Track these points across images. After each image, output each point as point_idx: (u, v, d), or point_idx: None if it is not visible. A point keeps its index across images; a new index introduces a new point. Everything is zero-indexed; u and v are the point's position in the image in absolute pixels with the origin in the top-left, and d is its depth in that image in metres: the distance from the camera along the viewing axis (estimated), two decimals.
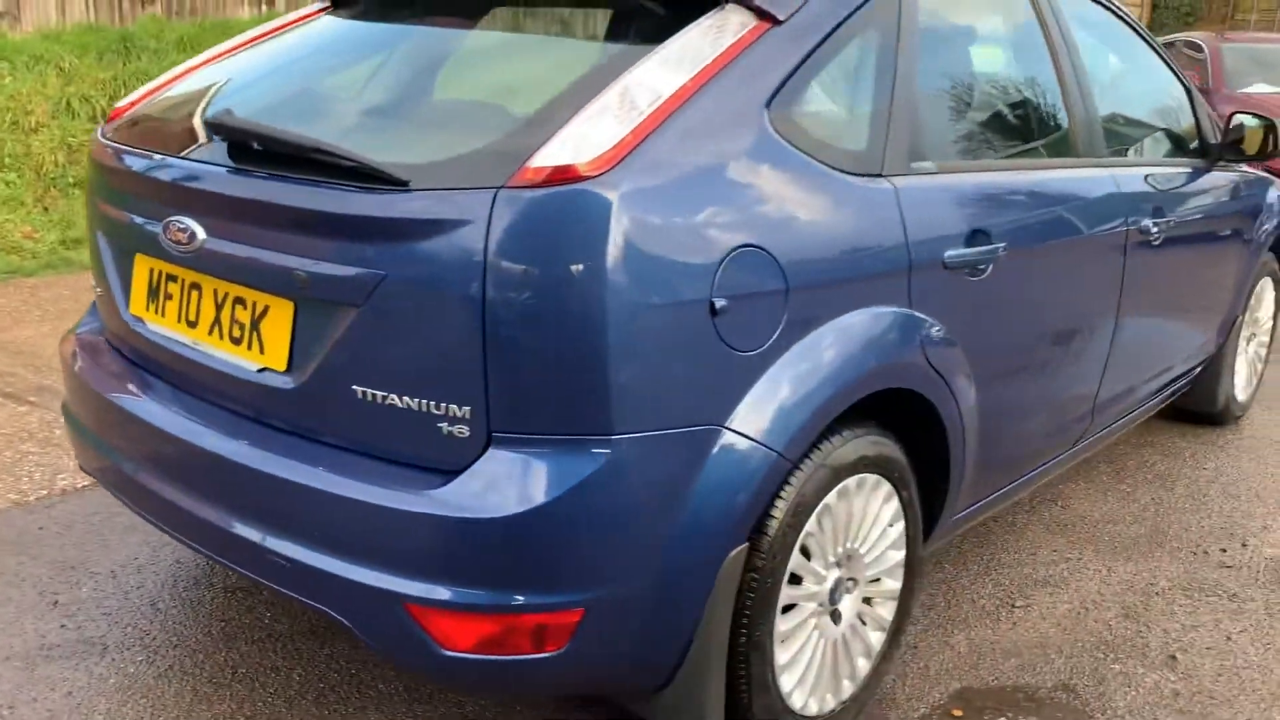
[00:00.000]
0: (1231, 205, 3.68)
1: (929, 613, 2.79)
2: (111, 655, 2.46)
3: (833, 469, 2.05)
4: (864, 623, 2.32)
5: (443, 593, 1.73)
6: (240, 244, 1.91)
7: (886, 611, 2.35)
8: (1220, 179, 3.60)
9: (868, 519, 2.21)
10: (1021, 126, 2.75)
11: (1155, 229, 2.99)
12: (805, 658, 2.13)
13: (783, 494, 1.96)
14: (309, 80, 2.34)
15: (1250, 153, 3.48)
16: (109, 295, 2.29)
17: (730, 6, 2.01)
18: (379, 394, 1.78)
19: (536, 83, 2.06)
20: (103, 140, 2.32)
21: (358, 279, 1.75)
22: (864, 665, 2.32)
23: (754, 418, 1.86)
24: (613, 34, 2.15)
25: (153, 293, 2.15)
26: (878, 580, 2.32)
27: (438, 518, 1.71)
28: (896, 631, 2.38)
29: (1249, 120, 3.47)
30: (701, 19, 1.99)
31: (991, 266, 2.33)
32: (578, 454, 1.71)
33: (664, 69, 1.86)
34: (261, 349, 1.93)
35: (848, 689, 2.27)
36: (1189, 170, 3.43)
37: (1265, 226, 3.98)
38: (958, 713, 2.40)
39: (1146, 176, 3.10)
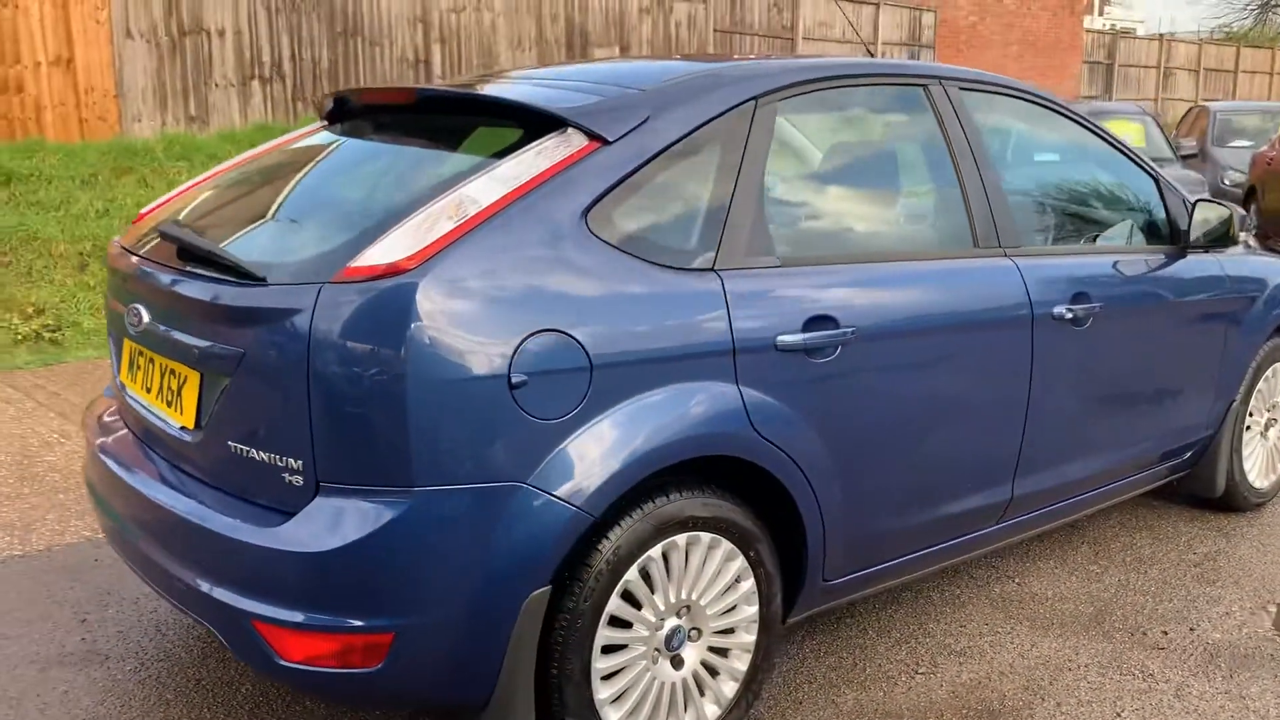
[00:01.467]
0: (1210, 290, 3.70)
1: (830, 671, 2.97)
2: (110, 664, 2.95)
3: (655, 526, 2.33)
4: (716, 672, 2.55)
5: (278, 613, 2.11)
6: (167, 326, 2.39)
7: (741, 664, 2.58)
8: (1195, 265, 3.65)
9: (706, 574, 2.47)
10: (890, 222, 2.98)
11: (1074, 313, 3.11)
12: (636, 695, 2.39)
13: (600, 545, 2.27)
14: (257, 189, 2.83)
15: (1208, 241, 3.54)
16: (112, 367, 2.83)
17: (571, 130, 2.38)
18: (244, 447, 2.21)
19: (391, 194, 2.48)
20: (113, 242, 2.88)
21: (228, 355, 2.20)
22: (713, 711, 2.54)
23: (555, 477, 2.17)
24: (471, 152, 2.55)
25: (131, 365, 2.67)
26: (731, 632, 2.55)
27: (273, 550, 2.10)
28: (750, 682, 2.60)
29: (1209, 211, 3.53)
30: (543, 139, 2.36)
31: (840, 349, 2.57)
32: (385, 502, 2.08)
33: (491, 183, 2.24)
34: (181, 410, 2.39)
35: None
36: (1147, 257, 3.51)
37: (1274, 311, 3.97)
38: None
39: (1073, 265, 3.23)
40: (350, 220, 2.38)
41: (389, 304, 2.06)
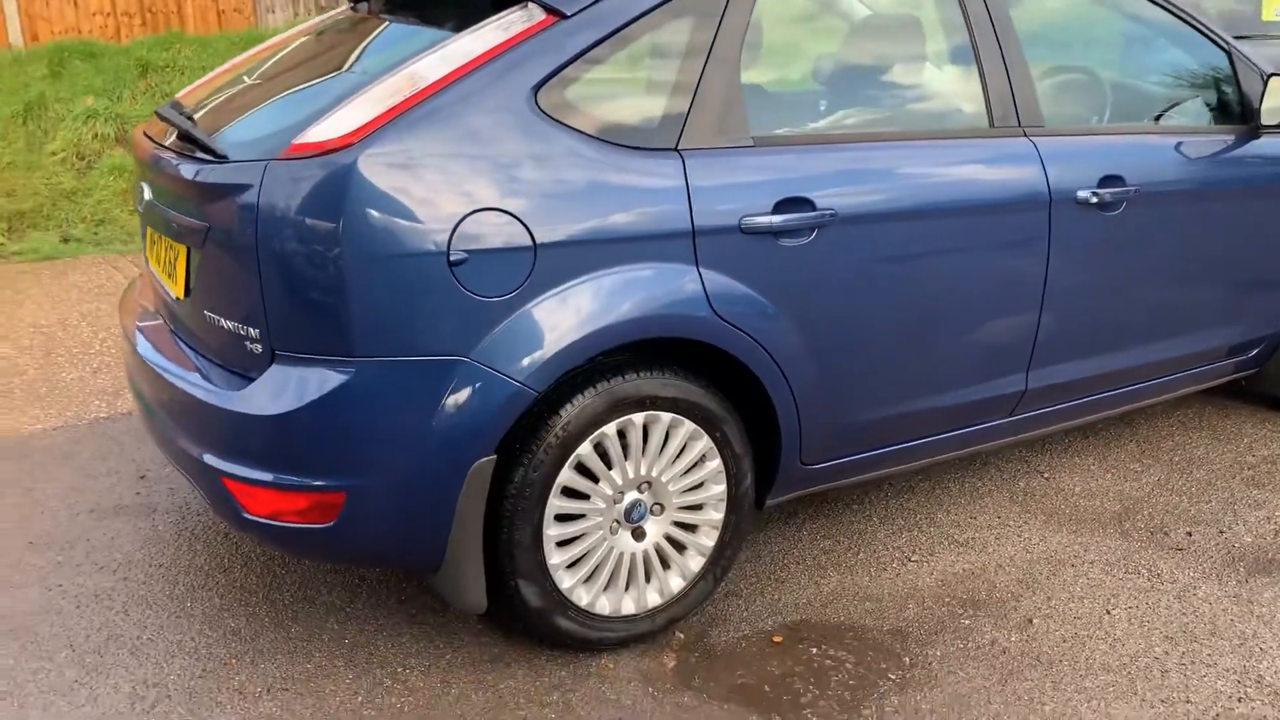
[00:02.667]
0: None
1: (822, 554, 2.99)
2: (155, 516, 3.24)
3: (610, 403, 2.38)
4: (682, 547, 2.61)
5: (242, 470, 2.28)
6: (161, 203, 2.54)
7: (708, 540, 2.63)
8: (1269, 146, 3.36)
9: (668, 453, 2.51)
10: (888, 100, 2.84)
11: (1101, 198, 2.93)
12: (593, 561, 2.48)
13: (550, 420, 2.34)
14: (261, 75, 2.92)
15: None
16: (141, 246, 3.04)
17: (530, 4, 2.37)
18: (215, 316, 2.36)
19: (356, 75, 2.53)
20: (137, 127, 3.05)
21: (196, 229, 2.33)
22: (678, 584, 2.61)
23: (498, 352, 2.24)
24: (441, 29, 2.56)
25: (150, 242, 2.85)
26: (698, 509, 2.60)
27: (235, 413, 2.26)
28: (717, 558, 2.65)
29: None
30: (505, 14, 2.37)
31: (816, 233, 2.52)
32: (331, 371, 2.19)
33: (440, 59, 2.27)
34: (176, 281, 2.56)
35: (653, 600, 2.58)
36: (1208, 137, 3.26)
37: None
38: (778, 639, 2.63)
39: (1106, 147, 3.03)
40: (314, 100, 2.45)
41: (327, 180, 2.13)
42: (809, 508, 3.24)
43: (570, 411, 2.35)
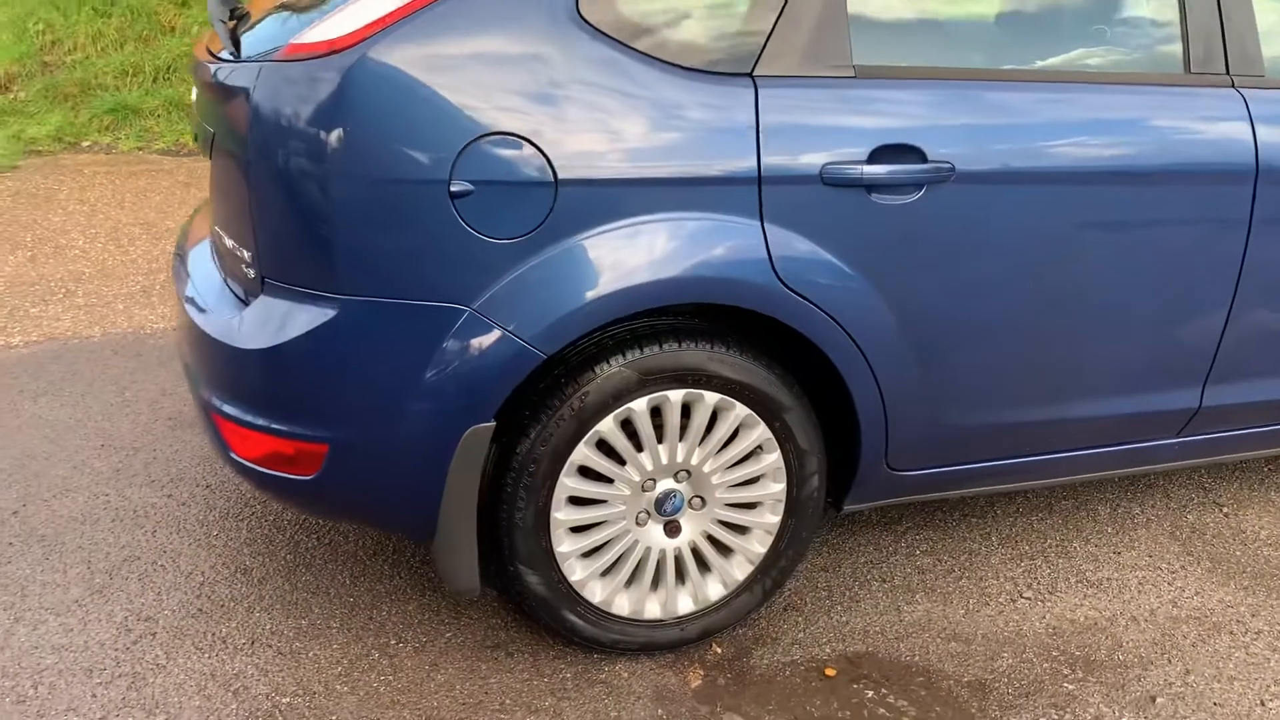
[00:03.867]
0: None
1: (917, 574, 2.52)
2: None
3: (640, 375, 2.01)
4: (728, 550, 2.23)
5: (228, 407, 2.06)
6: (200, 111, 2.33)
7: (759, 545, 2.23)
8: None
9: (713, 440, 2.12)
10: (1048, 34, 2.26)
11: None
12: (610, 555, 2.14)
13: (565, 388, 2.00)
14: None
15: None
16: None
17: None
18: (221, 232, 2.13)
19: None
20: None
21: (206, 135, 2.10)
22: (717, 591, 2.23)
23: (504, 305, 1.90)
24: None
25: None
26: (750, 508, 2.21)
27: (219, 343, 2.03)
28: (767, 569, 2.25)
29: None
30: None
31: (925, 191, 2.03)
32: (314, 306, 1.92)
33: None
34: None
35: (685, 606, 2.22)
36: None
37: None
38: (830, 672, 2.22)
39: None
40: (318, 5, 2.16)
41: (318, 86, 1.84)
42: (916, 513, 2.76)
43: (590, 381, 2.00)
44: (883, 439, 2.22)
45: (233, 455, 2.10)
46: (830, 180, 1.98)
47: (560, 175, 1.87)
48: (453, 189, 1.84)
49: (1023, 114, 2.12)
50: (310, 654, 2.20)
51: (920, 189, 2.03)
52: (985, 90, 2.11)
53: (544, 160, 1.86)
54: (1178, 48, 2.24)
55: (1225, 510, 2.83)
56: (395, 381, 1.94)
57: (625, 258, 1.93)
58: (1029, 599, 2.45)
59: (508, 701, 2.09)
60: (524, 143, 1.85)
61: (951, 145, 2.04)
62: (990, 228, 2.11)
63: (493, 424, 1.97)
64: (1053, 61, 2.24)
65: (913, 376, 2.17)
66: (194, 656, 2.19)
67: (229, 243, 2.08)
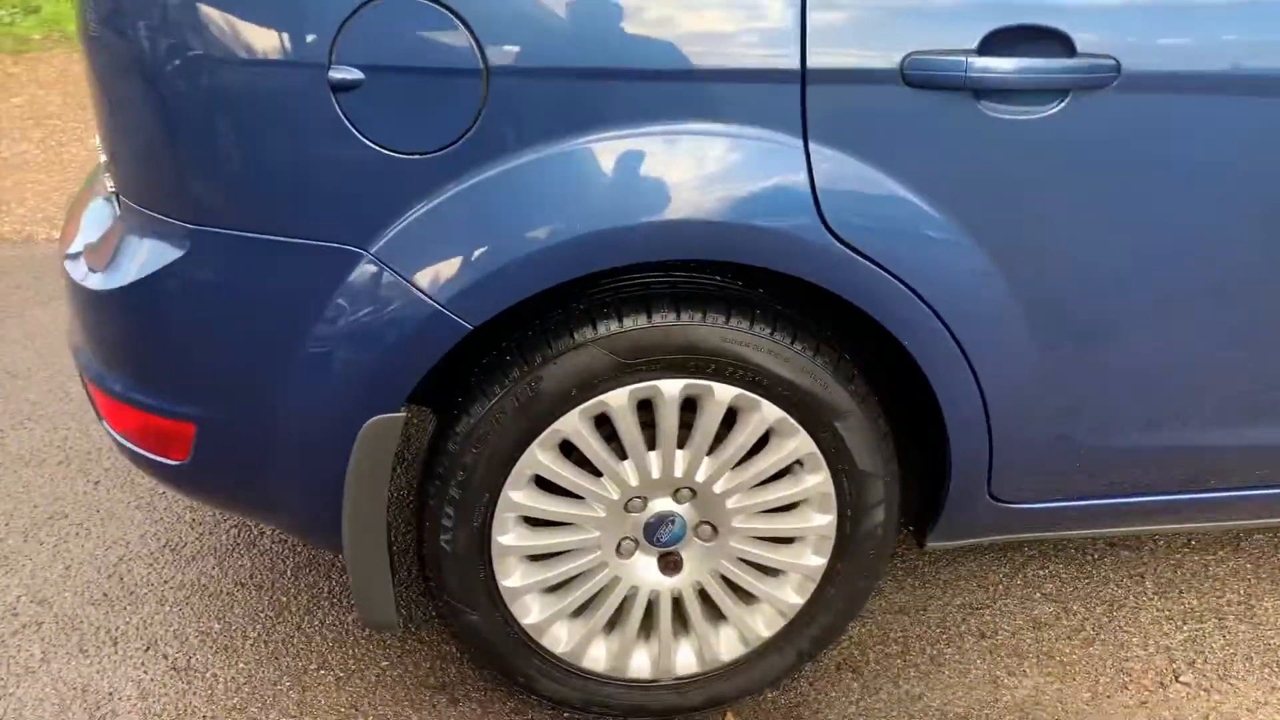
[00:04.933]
0: None
1: (1034, 631, 1.85)
2: None
3: (619, 359, 1.40)
4: (750, 598, 1.62)
5: (95, 369, 1.56)
6: None
7: (794, 595, 1.61)
8: None
9: (728, 449, 1.49)
10: None
11: None
12: (579, 593, 1.56)
13: (509, 371, 1.41)
14: None
15: None
16: None
17: None
18: (97, 139, 1.61)
19: None
20: None
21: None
22: (732, 650, 1.63)
23: (412, 251, 1.32)
24: None
25: None
26: (785, 544, 1.58)
27: (75, 284, 1.52)
28: (802, 628, 1.63)
29: None
30: None
31: (1069, 99, 1.30)
32: (166, 240, 1.38)
33: None
34: None
35: (685, 664, 1.63)
36: None
37: None
38: None
39: None
40: None
41: None
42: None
43: (545, 362, 1.40)
44: (984, 459, 1.54)
45: (105, 425, 1.62)
46: (917, 79, 1.28)
47: (492, 61, 1.25)
48: (334, 77, 1.25)
49: None
50: (208, 673, 1.73)
51: (1062, 97, 1.30)
52: None
53: (469, 37, 1.24)
54: None
55: None
56: (271, 349, 1.39)
57: (587, 189, 1.30)
58: (1188, 685, 1.74)
59: None
60: (439, 9, 1.23)
61: (1115, 32, 1.30)
62: (1173, 161, 1.36)
63: (402, 415, 1.40)
64: None
65: (1034, 376, 1.47)
66: (72, 663, 1.75)
67: (103, 156, 1.56)
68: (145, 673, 1.73)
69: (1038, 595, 1.93)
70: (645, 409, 1.47)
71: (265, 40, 1.25)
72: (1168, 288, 1.44)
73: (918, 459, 1.63)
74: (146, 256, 1.40)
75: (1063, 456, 1.57)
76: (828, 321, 1.50)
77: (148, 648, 1.78)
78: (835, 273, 1.37)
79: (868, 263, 1.36)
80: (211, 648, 1.78)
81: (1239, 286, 1.46)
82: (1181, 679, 1.76)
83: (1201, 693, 1.73)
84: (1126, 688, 1.74)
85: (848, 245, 1.34)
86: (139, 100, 1.33)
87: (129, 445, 1.58)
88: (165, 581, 1.93)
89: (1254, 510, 1.74)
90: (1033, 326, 1.44)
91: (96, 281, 1.46)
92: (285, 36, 1.25)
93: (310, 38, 1.24)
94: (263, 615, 1.85)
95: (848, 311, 1.42)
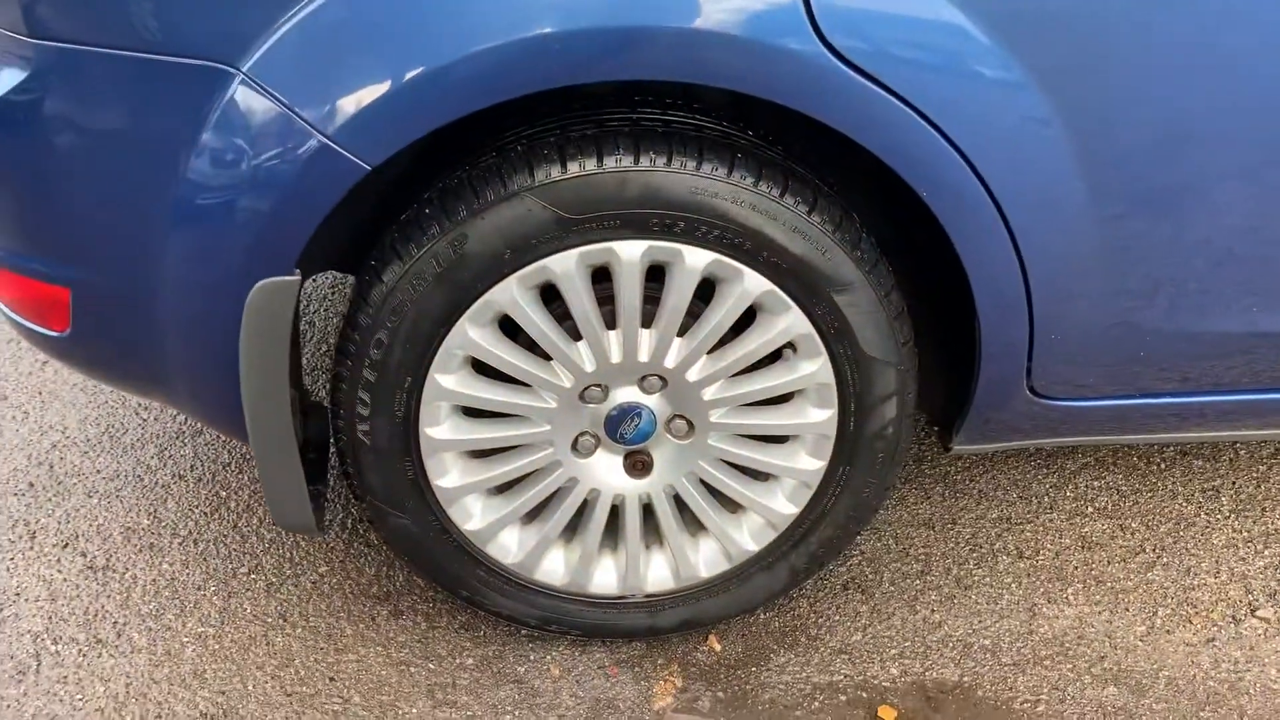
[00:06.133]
0: None
1: (1084, 553, 1.57)
2: None
3: (561, 215, 1.13)
4: (734, 506, 1.36)
5: None
6: None
7: (788, 505, 1.34)
8: None
9: (707, 327, 1.22)
10: None
11: None
12: (529, 495, 1.32)
13: (426, 225, 1.15)
14: None
15: None
16: None
17: None
18: None
19: None
20: None
21: None
22: (712, 563, 1.38)
23: (292, 69, 1.05)
24: None
25: None
26: (776, 444, 1.32)
27: None
28: (800, 540, 1.37)
29: None
30: None
31: None
32: (14, 57, 1.13)
33: None
34: None
35: (657, 580, 1.39)
36: None
37: None
38: (886, 716, 1.35)
39: None
40: None
41: None
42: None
43: (471, 217, 1.14)
44: (1023, 349, 1.25)
45: None
46: None
47: None
48: None
49: None
50: (127, 574, 1.54)
51: None
52: None
53: None
54: None
55: None
56: (140, 195, 1.15)
57: None
58: (1266, 621, 1.46)
59: (355, 699, 1.36)
60: None
61: None
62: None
63: (296, 278, 1.15)
64: None
65: (1093, 246, 1.17)
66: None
67: None
68: (58, 571, 1.55)
69: (1090, 510, 1.64)
70: (603, 279, 1.20)
71: None
72: (1261, 147, 1.12)
73: (943, 341, 1.35)
74: None
75: (1122, 343, 1.27)
76: (830, 170, 1.21)
77: (65, 544, 1.59)
78: (837, 103, 1.08)
79: (879, 89, 1.06)
80: (135, 546, 1.59)
81: None
82: (1259, 613, 1.47)
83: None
84: (1190, 621, 1.46)
85: (851, 65, 1.05)
86: None
87: (12, 315, 1.36)
88: (98, 471, 1.73)
89: None
90: (1094, 187, 1.13)
91: None
92: None
93: None
94: (196, 511, 1.65)
95: (854, 154, 1.13)
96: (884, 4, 1.04)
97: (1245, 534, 1.60)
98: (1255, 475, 1.70)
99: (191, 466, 1.74)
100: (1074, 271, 1.19)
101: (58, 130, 1.15)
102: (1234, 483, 1.69)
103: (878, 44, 1.04)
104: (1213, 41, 1.08)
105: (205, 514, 1.65)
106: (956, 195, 1.12)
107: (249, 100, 1.06)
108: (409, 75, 1.04)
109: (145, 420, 1.84)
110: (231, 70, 1.06)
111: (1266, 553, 1.56)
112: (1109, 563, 1.55)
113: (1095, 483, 1.69)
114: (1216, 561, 1.55)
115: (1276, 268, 1.23)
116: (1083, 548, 1.58)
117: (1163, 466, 1.72)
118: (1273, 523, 1.61)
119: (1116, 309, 1.23)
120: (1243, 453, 1.75)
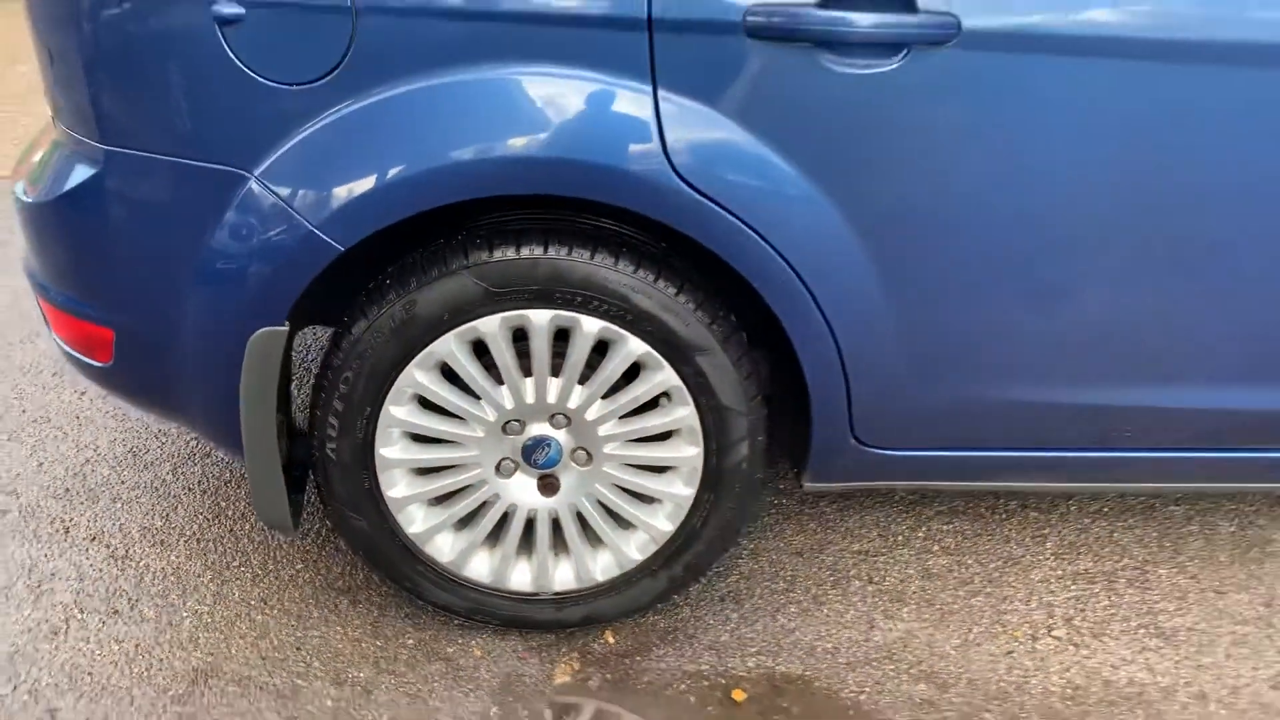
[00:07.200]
0: None
1: (923, 581, 1.91)
2: None
3: (489, 287, 1.50)
4: (624, 524, 1.71)
5: (37, 277, 1.72)
6: None
7: (668, 523, 1.70)
8: None
9: (600, 380, 1.59)
10: None
11: None
12: (462, 506, 1.68)
13: (386, 293, 1.53)
14: None
15: None
16: None
17: None
18: None
19: None
20: None
21: None
22: (606, 569, 1.73)
23: (290, 175, 1.44)
24: None
25: None
26: (658, 473, 1.67)
27: (16, 197, 1.68)
28: (678, 554, 1.72)
29: None
30: None
31: (909, 55, 1.36)
32: (84, 159, 1.53)
33: None
34: None
35: (564, 580, 1.74)
36: None
37: None
38: (738, 696, 1.68)
39: None
40: None
41: None
42: (953, 493, 2.11)
43: (419, 287, 1.51)
44: (843, 404, 1.61)
45: (54, 337, 1.78)
46: (759, 31, 1.35)
47: (360, 2, 1.35)
48: (219, 12, 1.37)
49: None
50: (141, 563, 1.90)
51: (903, 52, 1.36)
52: None
53: None
54: None
55: None
56: (172, 261, 1.53)
57: (447, 124, 1.41)
58: (1058, 639, 1.79)
59: (316, 664, 1.71)
60: None
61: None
62: (1014, 120, 1.41)
63: (284, 329, 1.53)
64: None
65: (888, 324, 1.54)
66: (26, 545, 1.94)
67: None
68: (86, 559, 1.91)
69: (935, 548, 1.98)
70: (523, 338, 1.57)
71: None
72: (1016, 248, 1.49)
73: (795, 396, 1.70)
74: (69, 173, 1.55)
75: (926, 405, 1.62)
76: (691, 261, 1.58)
77: (94, 538, 1.95)
78: (686, 216, 1.45)
79: (718, 208, 1.44)
80: (149, 542, 1.95)
81: (1089, 251, 1.49)
82: (1054, 633, 1.80)
83: (1070, 646, 1.77)
84: (997, 637, 1.79)
85: (694, 188, 1.42)
86: (60, 38, 1.48)
87: (67, 349, 1.74)
88: (123, 482, 2.10)
89: (1155, 472, 1.77)
90: (886, 279, 1.50)
91: (31, 197, 1.62)
92: None
93: None
94: (200, 517, 2.01)
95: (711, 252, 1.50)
96: (715, 144, 1.41)
97: (1060, 572, 1.93)
98: (1079, 526, 2.04)
99: (199, 481, 2.11)
100: (874, 343, 1.55)
101: (115, 211, 1.53)
102: (1060, 531, 2.03)
103: (713, 172, 1.42)
104: (963, 159, 1.44)
105: (208, 519, 2.01)
106: (779, 285, 1.49)
107: (258, 196, 1.45)
108: (365, 188, 1.42)
109: (164, 443, 2.21)
110: (246, 174, 1.45)
111: (1073, 587, 1.90)
112: (942, 590, 1.89)
113: (945, 525, 2.04)
114: (1030, 592, 1.89)
115: (1037, 348, 1.58)
116: (923, 577, 1.92)
117: (1004, 515, 2.07)
118: (1084, 564, 1.95)
119: (914, 375, 1.59)
120: (1073, 506, 2.09)
